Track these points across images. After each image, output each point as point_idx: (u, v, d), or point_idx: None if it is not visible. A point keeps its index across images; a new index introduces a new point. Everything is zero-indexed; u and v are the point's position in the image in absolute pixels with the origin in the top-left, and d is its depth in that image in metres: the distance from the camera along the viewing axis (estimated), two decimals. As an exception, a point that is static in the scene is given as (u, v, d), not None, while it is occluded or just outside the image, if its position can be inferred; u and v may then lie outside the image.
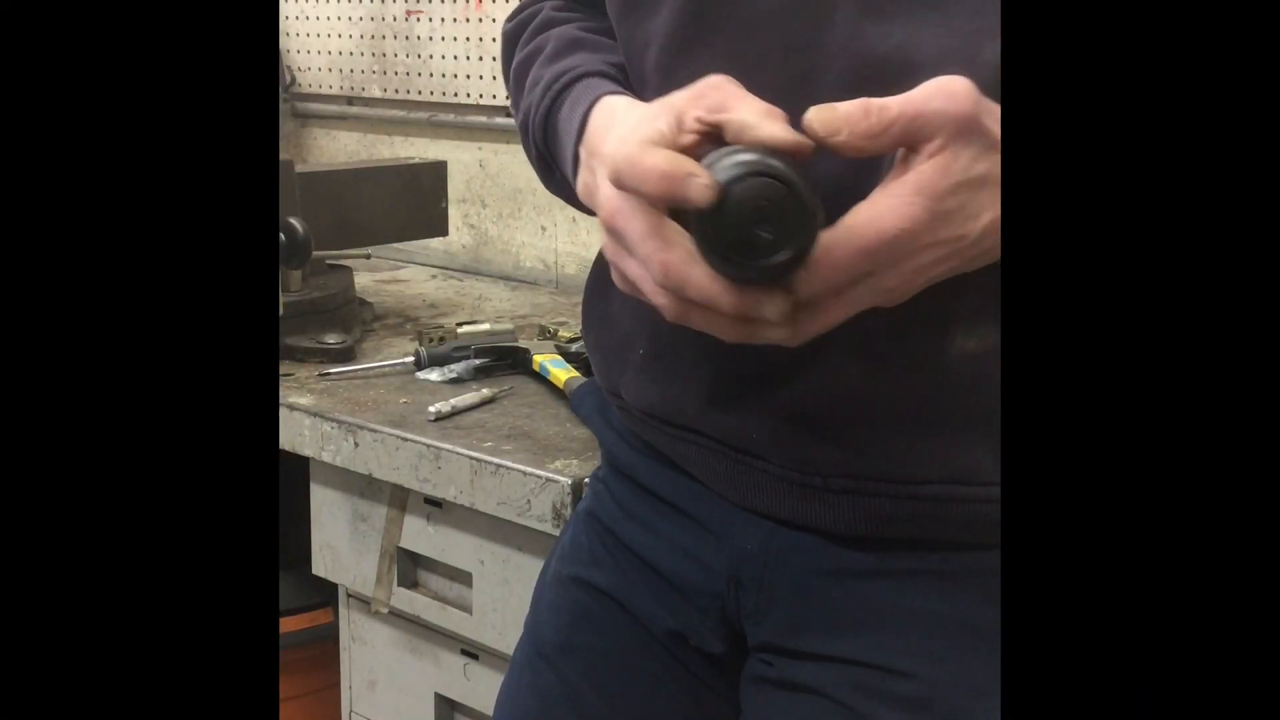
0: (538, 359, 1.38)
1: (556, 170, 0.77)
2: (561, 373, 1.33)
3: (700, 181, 0.55)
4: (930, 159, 0.56)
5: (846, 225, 0.56)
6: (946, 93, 0.56)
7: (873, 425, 0.68)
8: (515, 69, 0.83)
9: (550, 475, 1.10)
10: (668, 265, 0.58)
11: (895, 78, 0.60)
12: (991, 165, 0.57)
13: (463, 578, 1.25)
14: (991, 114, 0.57)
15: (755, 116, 0.57)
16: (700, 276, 0.57)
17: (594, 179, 0.66)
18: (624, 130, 0.61)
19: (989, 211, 0.57)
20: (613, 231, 0.62)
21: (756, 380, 0.69)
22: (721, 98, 0.59)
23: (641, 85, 0.74)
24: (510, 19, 0.88)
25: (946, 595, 0.70)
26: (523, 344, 1.45)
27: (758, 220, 0.54)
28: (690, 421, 0.74)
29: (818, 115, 0.56)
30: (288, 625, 1.61)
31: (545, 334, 1.56)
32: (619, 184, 0.58)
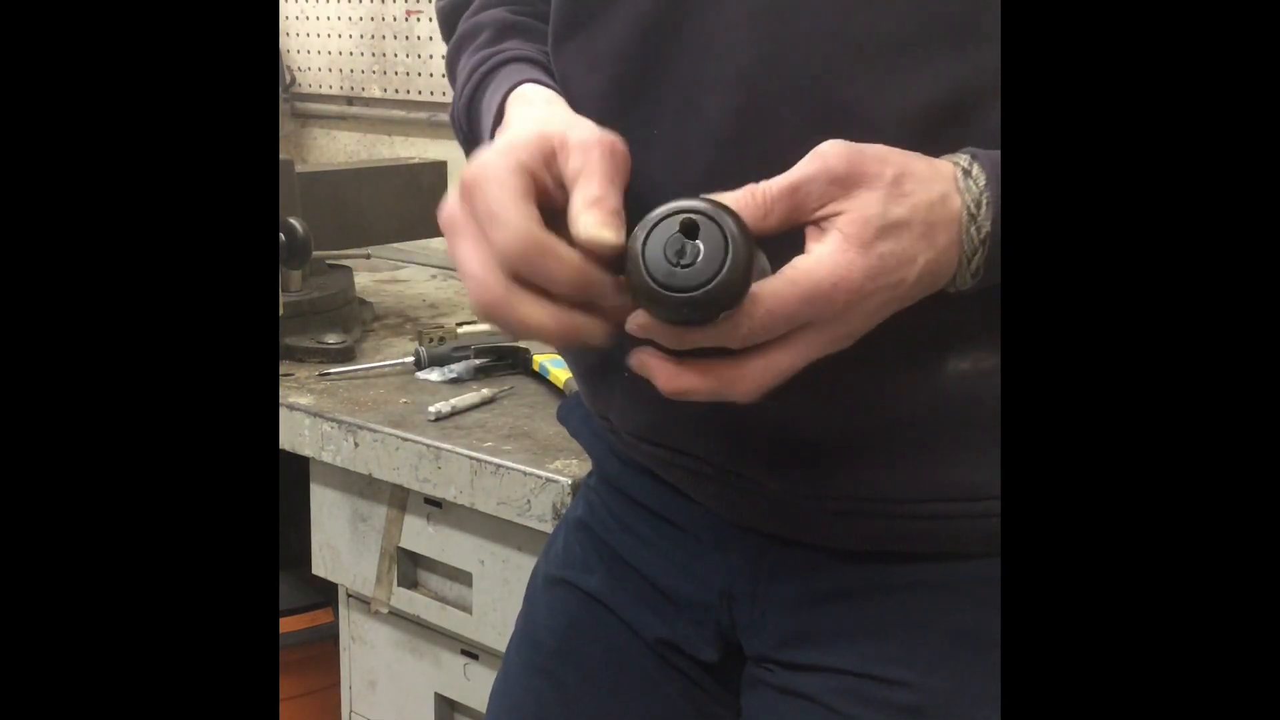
0: (538, 359, 1.38)
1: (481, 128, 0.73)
2: (561, 373, 1.33)
3: (610, 292, 0.55)
4: (845, 215, 0.56)
5: (784, 274, 0.56)
6: (817, 154, 0.56)
7: (866, 448, 0.67)
8: (449, 55, 0.80)
9: (550, 475, 1.10)
10: (489, 302, 0.56)
11: (851, 123, 0.60)
12: (909, 209, 0.56)
13: (463, 578, 1.25)
14: (883, 161, 0.57)
15: (580, 204, 0.56)
16: (522, 313, 0.56)
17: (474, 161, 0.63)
18: (489, 152, 0.59)
19: (924, 254, 0.57)
20: (448, 242, 0.59)
21: (747, 408, 0.69)
22: (575, 168, 0.58)
23: (578, 110, 0.70)
24: None
25: (940, 604, 0.70)
26: (522, 344, 1.45)
27: (676, 251, 0.53)
28: (681, 445, 0.73)
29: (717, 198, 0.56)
30: (288, 625, 1.61)
31: (545, 334, 1.55)
32: (516, 273, 0.56)
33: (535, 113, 0.65)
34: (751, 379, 0.57)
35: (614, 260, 0.56)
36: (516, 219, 0.56)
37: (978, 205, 0.58)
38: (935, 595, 0.70)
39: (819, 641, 0.72)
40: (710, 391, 0.57)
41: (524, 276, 0.56)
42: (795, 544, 0.72)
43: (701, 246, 0.53)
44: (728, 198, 0.56)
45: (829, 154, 0.56)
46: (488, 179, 0.57)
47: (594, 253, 0.56)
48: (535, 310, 0.56)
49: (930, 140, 0.60)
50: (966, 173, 0.58)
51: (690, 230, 0.53)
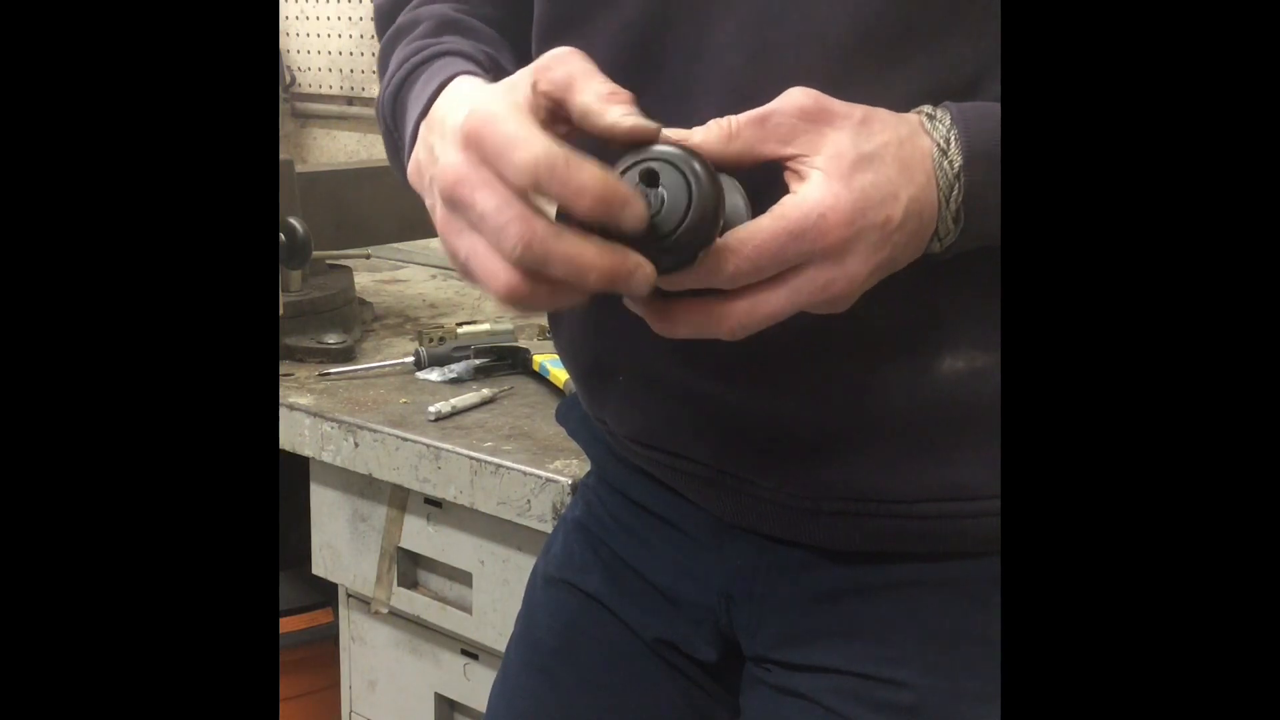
0: (538, 359, 1.38)
1: (404, 152, 0.69)
2: (561, 373, 1.33)
3: (635, 211, 0.52)
4: (819, 155, 0.56)
5: (771, 212, 0.56)
6: (786, 94, 0.57)
7: (861, 448, 0.67)
8: (383, 46, 0.78)
9: (550, 475, 1.10)
10: (530, 238, 0.52)
11: None
12: (879, 144, 0.57)
13: (463, 578, 1.25)
14: (850, 105, 0.57)
15: (598, 101, 0.55)
16: (567, 246, 0.52)
17: (429, 153, 0.60)
18: (483, 98, 0.57)
19: (905, 190, 0.57)
20: (455, 202, 0.55)
21: (743, 406, 0.69)
22: (565, 74, 0.56)
23: None
24: None
25: (938, 604, 0.70)
26: (522, 344, 1.45)
27: (644, 199, 0.53)
28: (677, 447, 0.73)
29: (671, 131, 0.56)
30: (288, 625, 1.61)
31: (545, 334, 1.56)
32: (538, 189, 0.53)
33: (474, 95, 0.62)
34: (736, 317, 0.56)
35: None
36: (537, 135, 0.53)
37: (946, 142, 0.58)
38: (932, 595, 0.70)
39: (817, 641, 0.72)
40: (696, 328, 0.57)
41: (550, 191, 0.52)
42: (792, 544, 0.72)
43: (665, 194, 0.53)
44: (694, 132, 0.56)
45: (797, 92, 0.57)
46: (494, 116, 0.54)
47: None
48: (582, 245, 0.52)
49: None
50: (931, 117, 0.59)
51: (651, 179, 0.53)
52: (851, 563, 0.71)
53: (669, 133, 0.56)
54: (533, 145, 0.52)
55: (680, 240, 0.53)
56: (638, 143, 0.54)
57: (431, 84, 0.67)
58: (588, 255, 0.52)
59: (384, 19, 0.81)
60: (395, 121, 0.72)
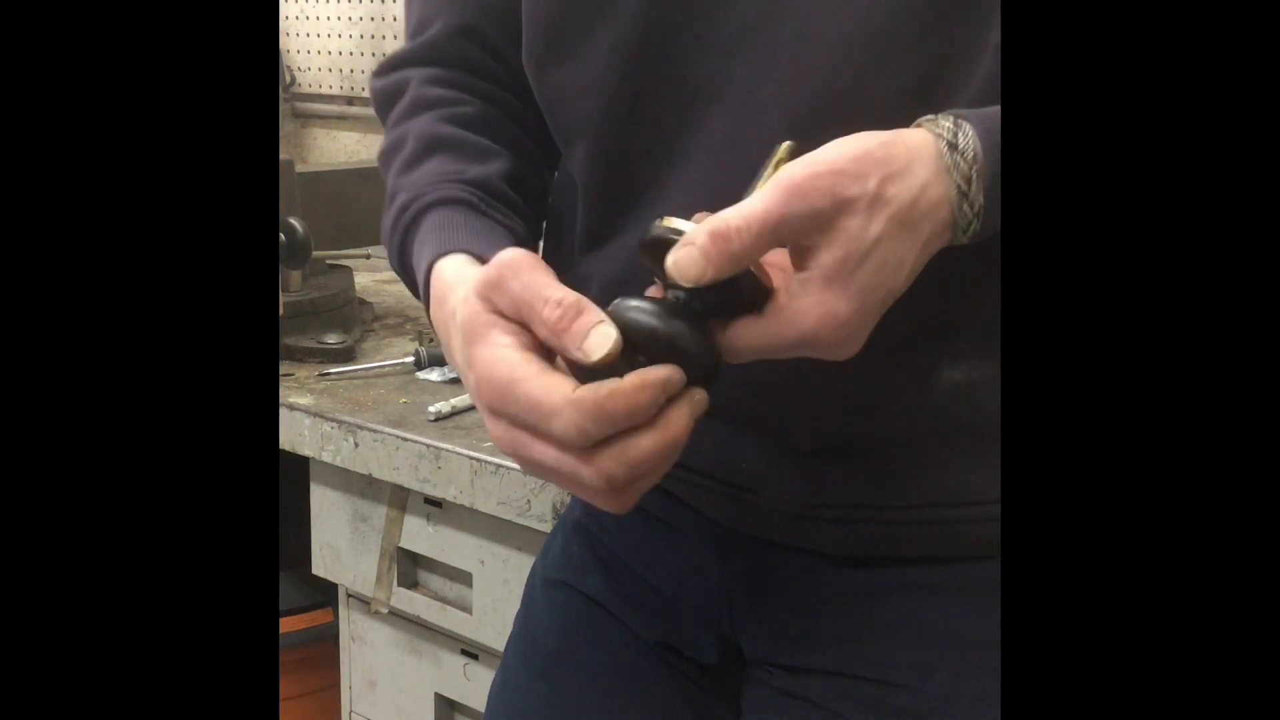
0: (538, 359, 1.38)
1: (426, 311, 0.71)
2: (561, 373, 1.33)
3: (676, 385, 0.54)
4: (826, 251, 0.54)
5: (767, 324, 0.55)
6: (798, 191, 0.53)
7: (862, 458, 0.67)
8: (380, 157, 0.79)
9: (550, 475, 1.10)
10: (608, 478, 0.53)
11: (836, 115, 0.59)
12: (885, 219, 0.54)
13: (463, 578, 1.25)
14: (862, 176, 0.54)
15: (551, 338, 0.54)
16: (641, 454, 0.53)
17: (455, 363, 0.61)
18: (481, 353, 0.56)
19: (910, 253, 0.55)
20: (521, 460, 0.57)
21: (743, 419, 0.69)
22: (511, 306, 0.55)
23: (572, 134, 0.71)
24: (380, 74, 0.82)
25: (937, 607, 0.70)
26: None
27: (630, 364, 0.53)
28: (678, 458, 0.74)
29: (674, 267, 0.53)
30: (288, 625, 1.61)
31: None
32: (592, 441, 0.53)
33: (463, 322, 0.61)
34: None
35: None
36: (558, 397, 0.53)
37: (968, 181, 0.55)
38: (933, 598, 0.70)
39: (818, 645, 0.72)
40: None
41: (604, 435, 0.53)
42: (794, 549, 0.72)
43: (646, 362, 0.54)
44: (701, 268, 0.53)
45: (810, 191, 0.53)
46: (509, 388, 0.54)
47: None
48: (647, 441, 0.53)
49: (909, 117, 0.60)
50: (953, 146, 0.55)
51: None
52: (853, 567, 0.71)
53: (676, 253, 0.53)
54: (562, 412, 0.52)
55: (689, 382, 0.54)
56: (607, 364, 0.53)
57: (423, 260, 0.68)
58: (652, 444, 0.53)
59: (379, 105, 0.82)
60: (404, 269, 0.73)
